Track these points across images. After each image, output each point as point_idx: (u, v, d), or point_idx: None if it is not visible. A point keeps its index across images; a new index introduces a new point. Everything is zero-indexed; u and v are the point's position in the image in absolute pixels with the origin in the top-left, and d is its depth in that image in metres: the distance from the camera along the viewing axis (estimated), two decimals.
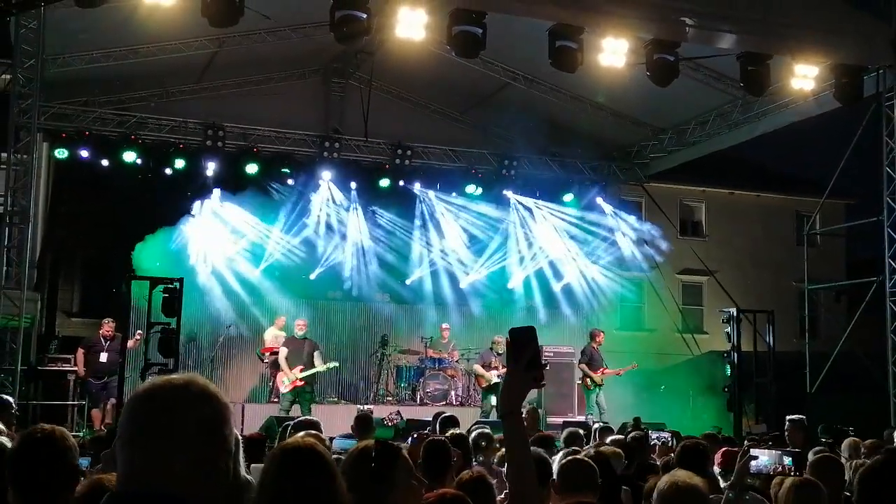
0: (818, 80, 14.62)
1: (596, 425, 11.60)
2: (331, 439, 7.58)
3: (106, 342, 15.42)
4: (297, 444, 3.09)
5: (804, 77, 14.44)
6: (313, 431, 6.43)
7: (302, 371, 15.93)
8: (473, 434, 8.04)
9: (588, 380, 17.92)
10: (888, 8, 14.83)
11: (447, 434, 7.55)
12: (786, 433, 10.39)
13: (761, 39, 13.78)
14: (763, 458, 4.77)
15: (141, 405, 2.00)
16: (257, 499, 2.91)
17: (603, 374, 17.75)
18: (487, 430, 8.33)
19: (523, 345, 2.93)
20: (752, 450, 5.00)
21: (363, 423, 9.05)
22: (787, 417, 10.69)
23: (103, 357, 15.23)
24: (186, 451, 1.94)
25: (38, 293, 17.36)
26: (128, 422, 2.00)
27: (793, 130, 18.40)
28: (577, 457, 5.04)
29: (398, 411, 13.71)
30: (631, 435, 8.64)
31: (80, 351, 15.62)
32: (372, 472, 3.06)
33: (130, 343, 15.04)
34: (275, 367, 16.49)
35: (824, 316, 22.88)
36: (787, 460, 4.67)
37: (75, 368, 15.25)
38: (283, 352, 16.20)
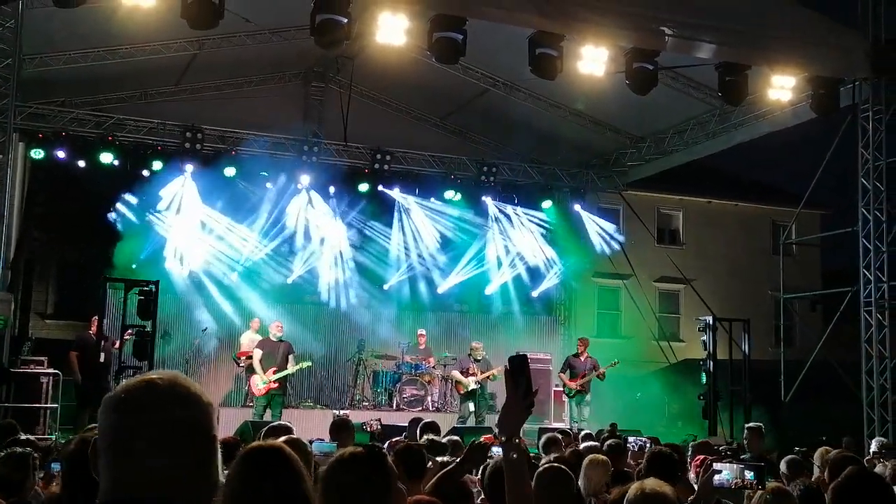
0: (795, 90, 14.72)
1: (583, 432, 11.78)
2: (310, 442, 7.54)
3: (100, 342, 15.24)
4: (264, 446, 3.08)
5: (781, 88, 14.54)
6: (295, 436, 6.39)
7: (275, 373, 15.88)
8: (444, 441, 8.08)
9: (564, 388, 18.11)
10: (865, 21, 14.97)
11: (423, 440, 7.55)
12: (745, 441, 10.59)
13: (740, 50, 13.86)
14: (725, 473, 4.81)
15: (124, 408, 1.92)
16: (225, 500, 2.90)
17: (580, 379, 17.75)
18: (457, 438, 8.39)
19: (520, 372, 3.03)
20: (714, 464, 5.04)
21: (340, 428, 8.99)
22: (746, 425, 10.96)
23: (101, 357, 15.05)
24: (175, 456, 1.88)
25: (12, 294, 17.18)
26: (110, 426, 1.92)
27: (770, 141, 18.54)
28: (555, 464, 5.04)
29: (379, 419, 13.70)
30: (608, 442, 8.65)
31: (74, 354, 15.37)
32: (363, 477, 3.05)
33: (117, 344, 14.98)
34: (251, 371, 16.38)
35: (799, 325, 23.07)
36: (749, 474, 4.71)
37: (49, 371, 15.04)
38: (258, 354, 16.12)
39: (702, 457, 7.53)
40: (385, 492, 3.06)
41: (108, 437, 1.91)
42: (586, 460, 6.26)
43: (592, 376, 17.81)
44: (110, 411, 1.93)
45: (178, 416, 1.91)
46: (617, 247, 22.04)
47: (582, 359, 18.05)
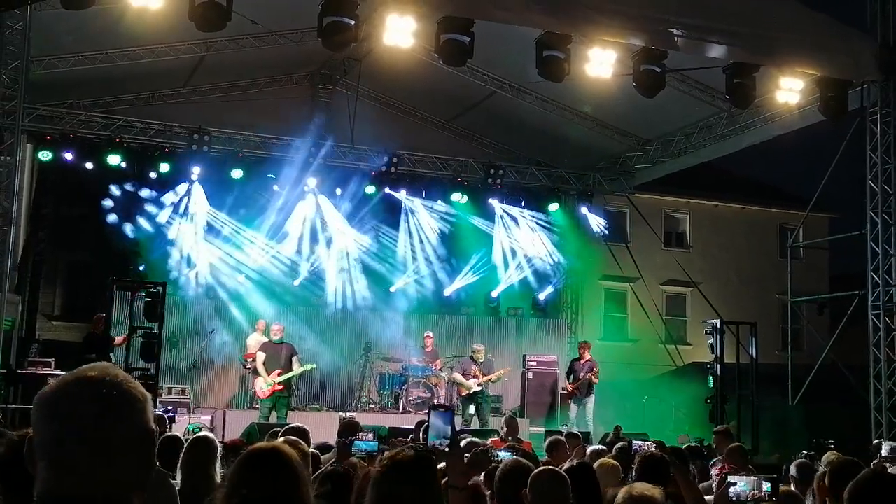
0: (803, 93, 14.69)
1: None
2: (351, 441, 7.57)
3: (107, 340, 15.24)
4: (264, 447, 3.11)
5: (789, 90, 14.50)
6: (293, 438, 6.38)
7: (280, 375, 15.85)
8: (462, 444, 8.04)
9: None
10: (874, 23, 14.93)
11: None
12: (713, 443, 11.00)
13: (749, 51, 13.83)
14: (741, 484, 4.76)
15: (60, 417, 1.82)
16: (225, 499, 2.91)
17: (577, 383, 17.79)
18: (476, 440, 8.35)
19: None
20: (729, 476, 4.99)
21: (349, 431, 8.97)
22: (714, 429, 11.53)
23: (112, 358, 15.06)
24: (117, 462, 1.82)
25: (19, 296, 17.23)
26: (47, 434, 1.82)
27: (777, 144, 18.49)
28: (551, 468, 5.01)
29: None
30: (616, 447, 8.59)
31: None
32: (416, 480, 3.13)
33: (119, 340, 15.01)
34: (256, 373, 16.37)
35: (807, 328, 22.97)
36: (766, 486, 4.65)
37: (56, 372, 15.06)
38: (261, 357, 16.05)
39: (721, 467, 7.35)
40: (434, 495, 3.11)
41: (46, 445, 1.83)
42: (596, 465, 6.21)
43: (587, 378, 17.81)
44: (46, 417, 1.84)
45: (119, 423, 1.83)
46: (619, 246, 22.01)
47: (582, 362, 18.10)
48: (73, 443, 1.81)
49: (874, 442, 12.83)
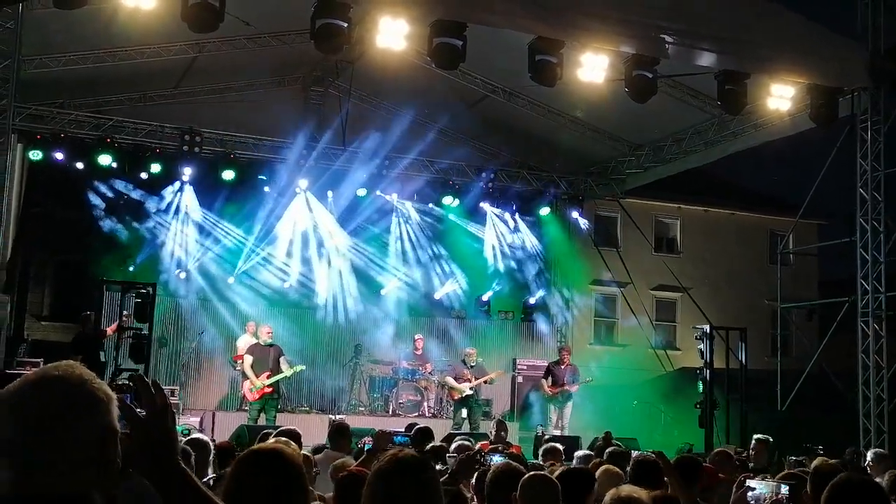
0: (794, 100, 14.74)
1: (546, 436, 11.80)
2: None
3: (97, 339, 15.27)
4: (265, 448, 3.13)
5: (780, 97, 14.55)
6: (284, 440, 6.38)
7: (268, 377, 15.79)
8: (454, 446, 8.08)
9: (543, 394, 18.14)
10: (864, 31, 15.00)
11: (427, 447, 7.55)
12: (752, 451, 10.52)
13: (740, 59, 13.87)
14: (759, 488, 4.64)
15: (23, 420, 1.83)
16: (227, 498, 2.93)
17: (560, 388, 17.71)
18: (468, 443, 8.36)
19: None
20: (747, 481, 4.94)
21: (340, 433, 8.97)
22: (755, 437, 10.88)
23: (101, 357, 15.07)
24: (81, 464, 1.83)
25: (8, 295, 17.15)
26: (7, 436, 1.82)
27: (768, 150, 18.54)
28: (542, 473, 5.01)
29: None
30: (608, 451, 8.56)
31: (80, 359, 15.22)
32: (417, 482, 3.12)
33: (110, 329, 14.99)
34: (245, 375, 16.32)
35: (796, 334, 23.06)
36: (784, 489, 4.53)
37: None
38: (249, 359, 15.95)
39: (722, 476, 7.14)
40: (435, 494, 3.12)
41: (6, 444, 1.83)
42: (600, 470, 6.21)
43: (570, 386, 17.71)
44: (6, 417, 1.84)
45: (81, 422, 1.84)
46: (610, 251, 22.03)
47: (563, 366, 18.01)
48: (33, 443, 1.81)
49: (847, 449, 12.77)
